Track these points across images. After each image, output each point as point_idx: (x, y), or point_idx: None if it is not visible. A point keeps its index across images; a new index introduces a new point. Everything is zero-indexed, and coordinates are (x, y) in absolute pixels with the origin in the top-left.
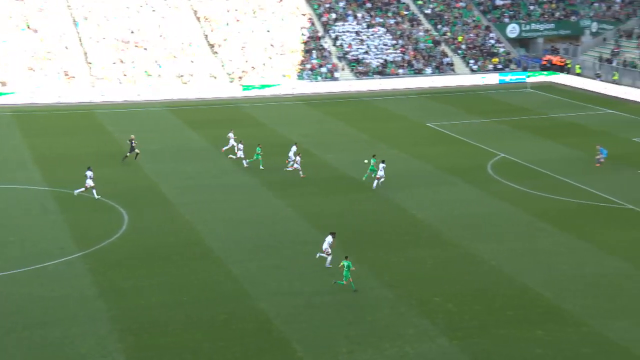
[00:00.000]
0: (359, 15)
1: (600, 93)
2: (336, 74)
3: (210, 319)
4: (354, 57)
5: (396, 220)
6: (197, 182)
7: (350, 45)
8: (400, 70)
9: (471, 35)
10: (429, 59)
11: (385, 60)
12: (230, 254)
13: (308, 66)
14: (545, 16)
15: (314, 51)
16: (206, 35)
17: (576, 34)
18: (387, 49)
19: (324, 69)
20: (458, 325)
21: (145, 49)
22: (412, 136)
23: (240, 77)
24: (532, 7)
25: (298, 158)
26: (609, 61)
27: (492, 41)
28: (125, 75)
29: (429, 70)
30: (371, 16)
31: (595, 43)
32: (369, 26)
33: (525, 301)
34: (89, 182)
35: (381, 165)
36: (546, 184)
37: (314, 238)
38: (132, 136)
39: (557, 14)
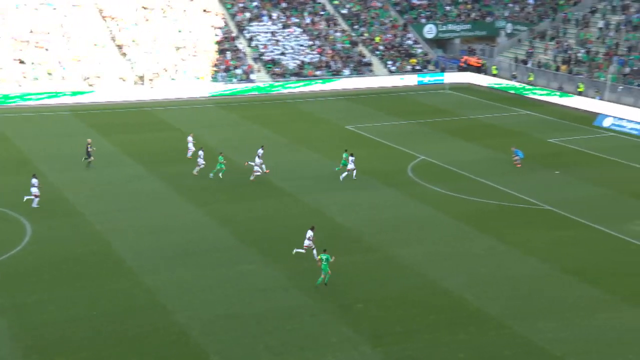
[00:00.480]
0: (274, 15)
1: (516, 94)
2: (252, 76)
3: (123, 334)
4: (270, 58)
5: (316, 225)
6: (106, 190)
7: (265, 46)
8: (318, 72)
9: (389, 35)
10: (346, 60)
11: (302, 62)
12: (143, 265)
13: (222, 67)
14: (462, 17)
15: (228, 52)
16: (113, 36)
17: (492, 34)
18: (304, 50)
19: (239, 71)
20: (382, 331)
21: (47, 49)
22: (332, 139)
23: (151, 80)
24: (448, 8)
25: (257, 159)
26: (524, 62)
27: (410, 42)
28: (25, 77)
29: (346, 71)
30: (286, 16)
31: (511, 44)
32: (284, 26)
33: (448, 305)
34: (34, 190)
35: (351, 159)
36: (466, 186)
37: (231, 245)
38: (89, 140)
39: (472, 15)
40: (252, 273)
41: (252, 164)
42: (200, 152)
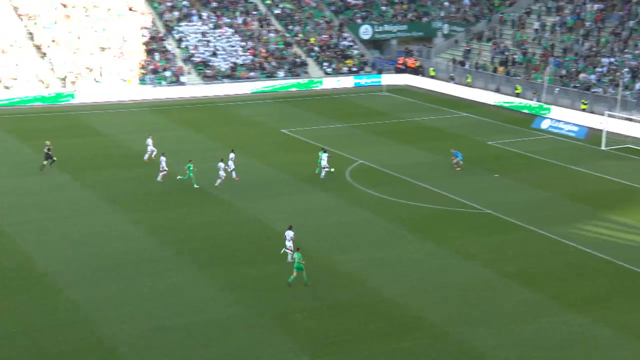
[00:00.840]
0: (204, 14)
1: (454, 96)
2: (182, 78)
3: (46, 352)
4: (201, 60)
5: (251, 232)
6: (27, 199)
7: (196, 47)
8: (252, 73)
9: (324, 36)
10: (281, 61)
11: (235, 63)
12: (67, 278)
13: (151, 69)
14: (398, 17)
15: (156, 53)
16: (31, 35)
17: (429, 35)
18: (236, 51)
19: (168, 73)
20: (320, 342)
21: None
22: (267, 143)
23: (73, 82)
24: (384, 8)
25: (231, 163)
26: (462, 64)
27: (346, 43)
28: None
29: (281, 73)
30: (217, 16)
31: (448, 45)
32: (215, 26)
33: (388, 313)
34: None
35: (324, 155)
36: (406, 190)
37: (162, 256)
38: (48, 142)
39: (409, 15)
40: (184, 284)
41: (222, 171)
42: (163, 158)
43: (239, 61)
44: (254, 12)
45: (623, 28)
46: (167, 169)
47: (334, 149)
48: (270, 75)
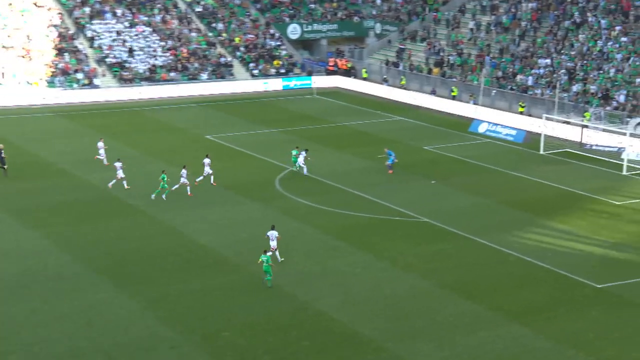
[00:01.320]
0: (119, 12)
1: (388, 99)
2: (96, 81)
3: None
4: (116, 61)
5: (175, 246)
6: None
7: (110, 47)
8: (172, 74)
9: (250, 36)
10: (204, 63)
11: (154, 65)
12: None
13: (60, 70)
14: (327, 16)
15: (66, 53)
16: None
17: (361, 35)
18: (155, 52)
19: (80, 75)
20: None
21: None
22: (190, 151)
23: None
24: (312, 6)
25: (207, 169)
26: (396, 65)
27: (273, 43)
28: None
29: (204, 75)
30: (133, 13)
31: (381, 45)
32: (131, 25)
33: (322, 328)
34: None
35: (302, 154)
36: (338, 198)
37: (75, 273)
38: (1, 145)
39: (339, 14)
40: (101, 303)
41: (183, 178)
42: (117, 164)
43: (158, 62)
44: (174, 10)
45: (559, 28)
46: (123, 175)
47: (261, 156)
48: (193, 77)
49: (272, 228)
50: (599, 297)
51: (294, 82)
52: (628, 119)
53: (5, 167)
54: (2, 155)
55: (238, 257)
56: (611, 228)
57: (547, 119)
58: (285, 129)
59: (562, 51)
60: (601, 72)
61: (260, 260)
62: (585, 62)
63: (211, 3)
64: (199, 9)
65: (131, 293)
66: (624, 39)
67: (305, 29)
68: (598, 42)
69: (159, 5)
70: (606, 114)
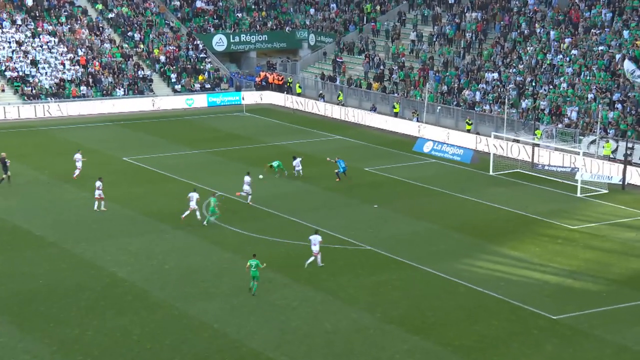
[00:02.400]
0: (18, 19)
1: (324, 116)
2: None
3: None
4: (17, 75)
5: (90, 281)
6: None
7: (9, 59)
8: (84, 89)
9: (170, 47)
10: (119, 77)
11: (62, 79)
12: None
13: None
14: (257, 26)
15: None
16: None
17: (293, 47)
18: (62, 64)
19: None
20: None
21: None
22: (106, 174)
23: None
24: (239, 15)
25: (247, 187)
26: (332, 79)
27: (197, 55)
28: None
29: (120, 91)
30: (36, 21)
31: (315, 58)
32: (34, 35)
33: None
34: None
35: (246, 179)
36: (273, 225)
37: None
38: (4, 154)
39: (269, 24)
40: (1, 348)
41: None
42: (98, 183)
43: (67, 76)
44: (83, 18)
45: (505, 40)
46: (102, 196)
47: (185, 179)
48: (107, 93)
49: (316, 232)
50: (555, 329)
51: (220, 99)
52: (581, 137)
53: (4, 175)
54: (7, 163)
55: (161, 291)
56: (566, 254)
57: (496, 137)
58: (211, 149)
59: (510, 64)
60: (552, 87)
61: (248, 265)
62: (534, 76)
63: (126, 11)
64: (110, 15)
65: (38, 335)
66: (574, 51)
67: (232, 40)
68: (547, 54)
69: (65, 13)
70: (558, 131)
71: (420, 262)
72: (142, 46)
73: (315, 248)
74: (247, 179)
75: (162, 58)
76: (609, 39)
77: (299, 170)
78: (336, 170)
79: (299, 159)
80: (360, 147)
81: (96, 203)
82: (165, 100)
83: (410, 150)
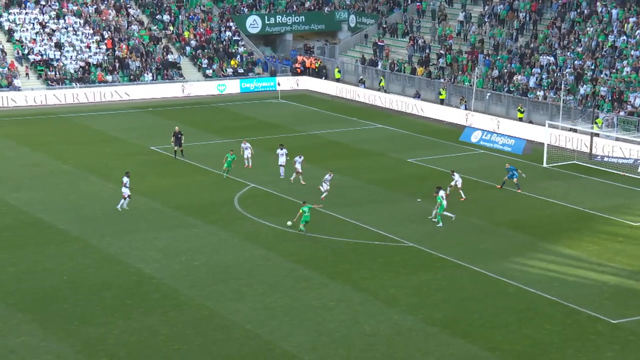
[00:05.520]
0: (42, 0)
1: (365, 103)
2: (16, 81)
3: None
4: (42, 58)
5: (115, 278)
6: None
7: (33, 42)
8: (110, 77)
9: (201, 30)
10: (147, 61)
11: (87, 63)
12: None
13: None
14: (293, 6)
15: None
16: None
17: (332, 29)
18: (88, 48)
19: None
20: None
21: None
22: (133, 165)
23: None
24: None
25: (325, 185)
26: (374, 63)
27: (229, 38)
28: None
29: (148, 76)
30: (61, 2)
31: (356, 41)
32: (58, 16)
33: None
34: None
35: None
36: (310, 219)
37: None
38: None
39: (307, 4)
40: (24, 347)
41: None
42: (125, 179)
43: (93, 60)
44: None
45: (563, 20)
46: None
47: (217, 170)
48: (135, 78)
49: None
50: (615, 334)
51: (254, 84)
52: None
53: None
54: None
55: (191, 289)
56: (627, 253)
57: (551, 126)
58: (244, 138)
59: (568, 47)
60: (613, 71)
61: (300, 212)
62: (594, 59)
63: None
64: None
65: (62, 335)
66: (639, 32)
67: (267, 22)
68: (609, 36)
69: None
70: (619, 120)
71: (467, 261)
72: (171, 28)
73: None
74: (327, 177)
75: (193, 42)
76: None
77: (283, 165)
78: (506, 178)
79: (285, 150)
80: (403, 136)
81: (122, 201)
82: (195, 86)
83: (457, 140)
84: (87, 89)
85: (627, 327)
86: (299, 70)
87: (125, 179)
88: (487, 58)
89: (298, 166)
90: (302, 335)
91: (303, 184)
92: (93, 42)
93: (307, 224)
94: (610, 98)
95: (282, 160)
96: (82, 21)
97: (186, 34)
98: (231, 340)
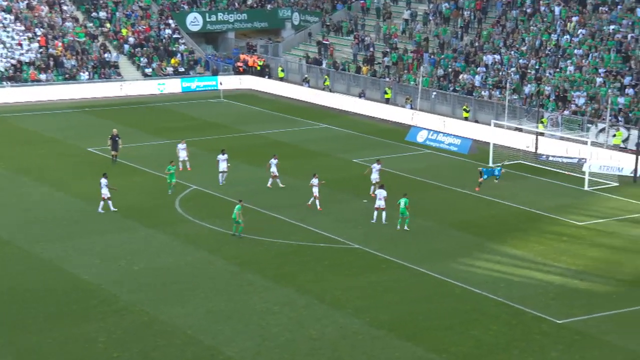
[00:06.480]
0: None
1: (309, 102)
2: None
3: None
4: None
5: (52, 285)
6: None
7: None
8: (44, 76)
9: (140, 27)
10: (83, 60)
11: (20, 61)
12: None
13: None
14: (235, 4)
15: None
16: None
17: (275, 27)
18: (19, 45)
19: None
20: None
21: None
22: (68, 165)
23: None
24: None
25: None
26: (318, 62)
27: (169, 36)
28: None
29: (85, 75)
30: None
31: (300, 39)
32: None
33: None
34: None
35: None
36: (252, 222)
37: None
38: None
39: (249, 2)
40: None
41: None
42: (104, 180)
43: (25, 58)
44: None
45: (507, 19)
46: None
47: (157, 172)
48: (70, 77)
49: (381, 187)
50: (560, 334)
51: (195, 84)
52: (589, 125)
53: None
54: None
55: (130, 294)
56: (572, 253)
57: (496, 125)
58: (185, 139)
59: (512, 46)
60: (557, 70)
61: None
62: (538, 58)
63: None
64: None
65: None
66: (582, 31)
67: (209, 19)
68: (552, 35)
69: None
70: (564, 119)
71: (413, 262)
72: (108, 25)
73: (380, 202)
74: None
75: (131, 39)
76: (620, 17)
77: (224, 171)
78: (481, 179)
79: (226, 156)
80: (348, 136)
81: (102, 203)
82: (134, 85)
83: (403, 140)
84: (19, 88)
85: (572, 326)
86: (241, 70)
87: (104, 180)
88: (432, 57)
89: (274, 169)
90: (245, 340)
91: (282, 186)
92: (25, 39)
93: (238, 225)
94: (554, 97)
95: (222, 166)
96: (12, 17)
97: (124, 31)
98: (172, 346)
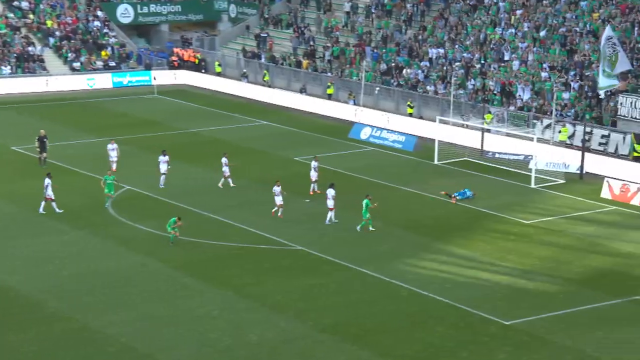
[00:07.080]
0: None
1: (248, 98)
2: None
3: None
4: None
5: None
6: None
7: None
8: None
9: (67, 19)
10: (4, 53)
11: None
12: None
13: None
14: None
15: None
16: None
17: (211, 19)
18: None
19: None
20: None
21: None
22: None
23: None
24: None
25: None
26: (257, 56)
27: (98, 28)
28: None
29: (7, 69)
30: None
31: (237, 32)
32: None
33: None
34: None
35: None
36: (189, 223)
37: None
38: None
39: None
40: None
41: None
42: (47, 180)
43: None
44: None
45: (450, 12)
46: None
47: (87, 172)
48: None
49: (331, 186)
50: (508, 335)
51: (127, 79)
52: (535, 121)
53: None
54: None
55: (59, 301)
56: (519, 252)
57: (441, 121)
58: (117, 137)
59: (457, 39)
60: (502, 64)
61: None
62: (482, 53)
63: None
64: None
65: None
66: (526, 24)
67: (140, 11)
68: (497, 28)
69: None
70: (509, 115)
71: (357, 264)
72: (32, 17)
73: (330, 202)
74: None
75: (57, 32)
76: (564, 10)
77: (165, 173)
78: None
79: (167, 157)
80: (288, 133)
81: (43, 203)
82: (61, 80)
83: (346, 137)
84: None
85: (520, 327)
86: (176, 64)
87: (48, 180)
88: (374, 51)
89: (225, 169)
90: (183, 346)
91: (233, 186)
92: None
93: (175, 234)
94: (499, 91)
95: (163, 168)
96: None
97: (49, 23)
98: (105, 355)
